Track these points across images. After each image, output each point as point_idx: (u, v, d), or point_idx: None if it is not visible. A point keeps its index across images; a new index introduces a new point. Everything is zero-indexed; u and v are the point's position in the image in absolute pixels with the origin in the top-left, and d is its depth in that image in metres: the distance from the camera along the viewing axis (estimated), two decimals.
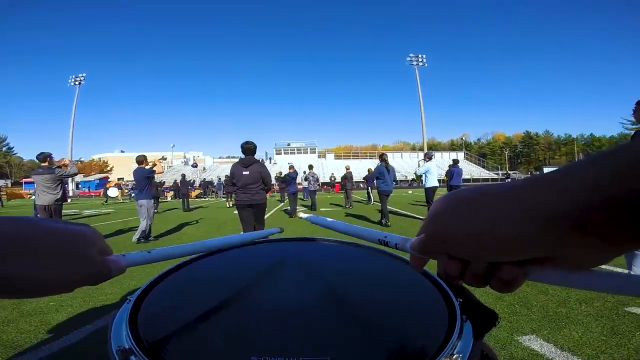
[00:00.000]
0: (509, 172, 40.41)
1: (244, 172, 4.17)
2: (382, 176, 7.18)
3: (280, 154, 54.00)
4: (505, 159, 66.42)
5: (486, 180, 43.49)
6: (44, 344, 2.06)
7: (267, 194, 4.54)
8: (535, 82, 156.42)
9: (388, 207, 7.29)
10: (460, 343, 0.45)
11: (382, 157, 7.38)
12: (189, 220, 9.39)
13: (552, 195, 0.21)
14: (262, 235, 0.86)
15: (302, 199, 16.41)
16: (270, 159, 53.70)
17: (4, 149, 65.21)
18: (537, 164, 67.81)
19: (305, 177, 12.16)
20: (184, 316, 0.54)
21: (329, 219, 0.66)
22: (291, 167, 10.58)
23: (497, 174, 48.33)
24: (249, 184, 4.17)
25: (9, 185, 56.07)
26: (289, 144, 55.02)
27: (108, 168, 63.38)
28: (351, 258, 0.85)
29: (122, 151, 72.60)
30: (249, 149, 4.29)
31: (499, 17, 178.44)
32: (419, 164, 9.76)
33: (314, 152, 54.49)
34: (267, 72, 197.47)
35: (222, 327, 0.52)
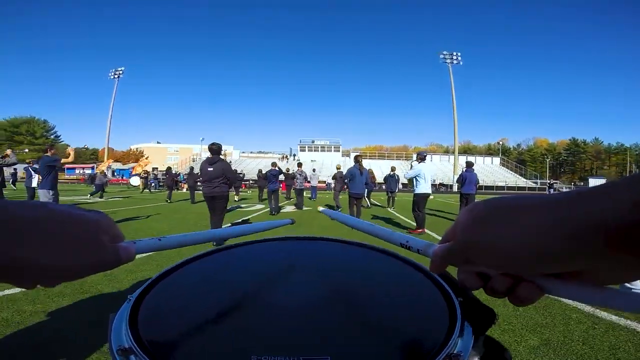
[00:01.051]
0: (551, 180, 36.94)
1: (209, 169, 5.05)
2: (353, 178, 6.84)
3: (304, 150, 53.58)
4: (546, 167, 61.69)
5: (522, 189, 40.49)
6: (43, 343, 2.03)
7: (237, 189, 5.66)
8: (584, 85, 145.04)
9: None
10: (461, 342, 0.46)
11: (356, 159, 7.06)
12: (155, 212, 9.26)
13: (595, 207, 0.20)
14: (274, 225, 0.81)
15: (310, 198, 15.71)
16: (294, 155, 53.51)
17: (52, 137, 70.26)
18: (582, 174, 62.81)
19: (293, 174, 11.63)
20: (185, 315, 0.54)
21: (350, 216, 0.63)
22: (274, 164, 10.10)
23: (536, 183, 44.83)
24: (212, 178, 5.05)
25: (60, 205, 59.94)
26: (313, 141, 54.37)
27: (144, 157, 66.33)
28: (351, 257, 0.85)
29: (158, 142, 75.60)
30: (213, 149, 5.22)
31: (541, 14, 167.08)
32: (411, 166, 8.67)
33: (338, 151, 53.49)
34: (299, 69, 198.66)
35: (222, 326, 0.51)
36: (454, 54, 41.55)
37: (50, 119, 78.86)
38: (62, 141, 73.56)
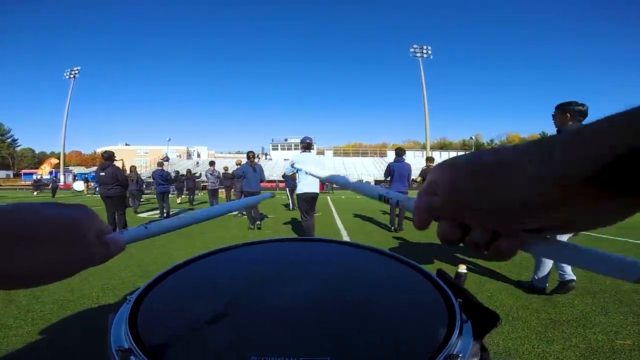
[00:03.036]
0: None
1: (101, 174, 5.73)
2: (246, 176, 6.54)
3: (276, 149, 52.15)
4: None
5: None
6: (43, 343, 2.02)
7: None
8: (553, 81, 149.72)
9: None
10: (460, 343, 0.46)
11: (248, 155, 6.66)
12: None
13: (577, 151, 0.20)
14: (253, 200, 0.71)
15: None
16: (265, 154, 51.88)
17: (8, 140, 65.74)
18: None
19: (205, 174, 10.37)
20: (184, 316, 0.54)
21: (328, 173, 0.57)
22: (160, 163, 9.27)
23: None
24: (105, 182, 5.74)
25: (11, 176, 57.65)
26: (286, 140, 52.98)
27: (52, 158, 62.78)
28: (351, 258, 0.85)
29: (126, 144, 72.38)
30: (104, 156, 5.95)
31: (516, 7, 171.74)
32: (265, 157, 7.45)
33: (312, 149, 51.99)
34: (273, 68, 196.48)
35: (222, 327, 0.51)
36: (424, 47, 41.18)
37: (5, 122, 73.78)
38: (19, 145, 69.23)
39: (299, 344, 0.47)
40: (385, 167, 6.22)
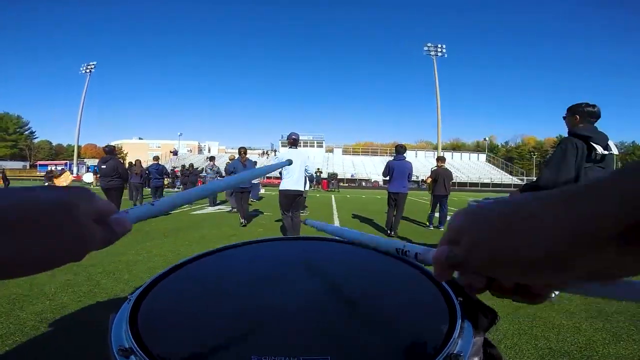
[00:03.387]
0: (535, 178, 35.91)
1: (102, 166, 6.07)
2: (236, 171, 6.29)
3: (285, 146, 51.73)
4: (533, 165, 60.95)
5: (508, 186, 39.39)
6: (42, 344, 1.99)
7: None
8: (572, 82, 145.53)
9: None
10: (460, 341, 0.45)
11: (239, 151, 6.49)
12: None
13: (603, 205, 0.19)
14: (271, 168, 0.77)
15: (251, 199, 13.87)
16: (274, 151, 51.81)
17: (26, 132, 67.52)
18: None
19: (204, 169, 10.43)
20: (184, 315, 0.54)
21: (335, 226, 0.61)
22: (156, 157, 9.15)
23: (522, 180, 43.82)
24: (106, 175, 6.06)
25: (27, 167, 59.34)
26: None
27: (123, 153, 64.43)
28: (351, 257, 0.85)
29: (140, 138, 73.49)
30: (106, 150, 6.38)
31: (530, 9, 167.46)
32: (274, 154, 7.25)
33: (322, 146, 51.72)
34: (284, 65, 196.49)
35: (222, 327, 0.51)
36: (439, 46, 40.25)
37: (24, 115, 75.80)
38: (37, 137, 71.08)
39: (299, 344, 0.47)
40: (384, 165, 5.81)
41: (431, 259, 0.30)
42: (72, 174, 24.26)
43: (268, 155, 49.96)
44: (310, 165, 4.97)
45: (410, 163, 5.68)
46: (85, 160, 55.89)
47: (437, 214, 6.84)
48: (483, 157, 52.62)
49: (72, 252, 0.27)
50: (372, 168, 45.50)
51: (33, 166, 56.17)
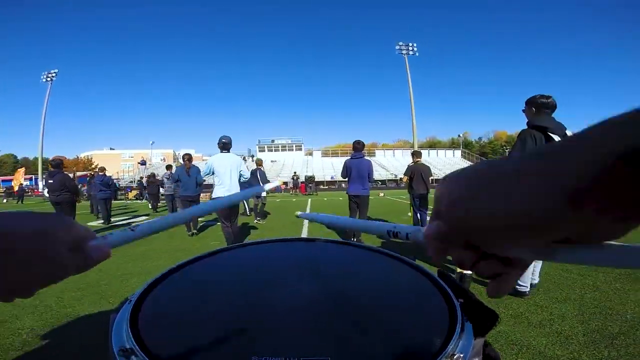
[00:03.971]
0: None
1: (50, 181, 6.01)
2: (180, 179, 5.99)
3: (263, 150, 50.88)
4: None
5: None
6: (41, 344, 2.02)
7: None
8: (542, 77, 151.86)
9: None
10: (461, 342, 0.45)
11: (183, 158, 6.11)
12: None
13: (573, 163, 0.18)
14: (251, 192, 0.68)
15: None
16: (252, 156, 50.88)
17: None
18: None
19: (162, 178, 9.98)
20: (185, 316, 0.54)
21: (326, 215, 0.57)
22: (102, 169, 8.72)
23: None
24: (54, 190, 6.00)
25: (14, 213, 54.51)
26: (273, 141, 51.81)
27: (92, 165, 61.71)
28: (352, 258, 0.84)
29: (111, 148, 70.60)
30: (52, 164, 6.25)
31: (502, 6, 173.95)
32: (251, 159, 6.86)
33: (300, 149, 50.93)
34: (259, 69, 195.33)
35: (223, 327, 0.51)
36: (410, 44, 40.73)
37: None
38: None
39: (299, 345, 0.47)
40: (342, 166, 5.18)
41: (422, 237, 0.29)
42: (38, 188, 23.01)
43: (245, 160, 48.95)
44: (245, 170, 4.59)
45: (369, 161, 5.08)
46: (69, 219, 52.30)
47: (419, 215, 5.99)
48: (458, 153, 53.62)
49: (48, 278, 0.28)
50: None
51: (17, 214, 51.81)
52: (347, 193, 5.18)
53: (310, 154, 51.11)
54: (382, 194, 19.54)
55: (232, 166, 4.35)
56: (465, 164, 49.20)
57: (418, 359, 0.44)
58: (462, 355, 0.43)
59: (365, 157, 5.12)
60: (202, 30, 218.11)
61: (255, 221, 8.03)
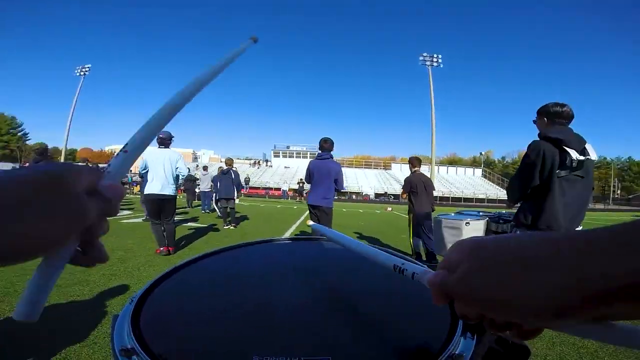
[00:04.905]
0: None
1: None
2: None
3: (278, 156, 50.98)
4: None
5: (503, 201, 38.39)
6: (41, 344, 1.98)
7: None
8: (567, 97, 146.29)
9: None
10: (462, 342, 0.45)
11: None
12: None
13: (612, 266, 0.19)
14: (236, 51, 0.57)
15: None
16: (266, 161, 50.96)
17: (19, 134, 66.80)
18: None
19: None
20: (186, 316, 0.54)
21: (342, 235, 0.61)
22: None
23: None
24: None
25: (17, 168, 58.10)
26: (288, 147, 51.87)
27: None
28: (352, 258, 0.85)
29: None
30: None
31: (529, 22, 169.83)
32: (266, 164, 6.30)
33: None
34: (281, 76, 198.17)
35: (224, 327, 0.52)
36: (434, 55, 39.82)
37: (19, 116, 75.46)
38: (29, 139, 70.27)
39: (301, 344, 0.47)
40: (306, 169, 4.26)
41: (427, 282, 0.30)
42: None
43: (259, 165, 49.03)
44: (182, 167, 4.36)
45: (337, 164, 4.09)
46: (79, 164, 54.70)
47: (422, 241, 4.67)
48: (479, 172, 51.86)
49: (70, 227, 0.26)
50: (365, 181, 44.60)
51: (23, 168, 54.85)
52: (308, 203, 4.20)
53: None
54: (389, 209, 18.63)
55: (166, 162, 4.18)
56: (486, 183, 47.66)
57: (420, 358, 0.43)
58: (463, 355, 0.42)
59: (334, 160, 4.16)
60: (228, 34, 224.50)
61: (225, 227, 7.32)
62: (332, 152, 4.15)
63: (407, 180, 4.65)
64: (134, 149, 0.33)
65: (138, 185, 22.36)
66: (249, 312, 0.56)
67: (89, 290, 2.90)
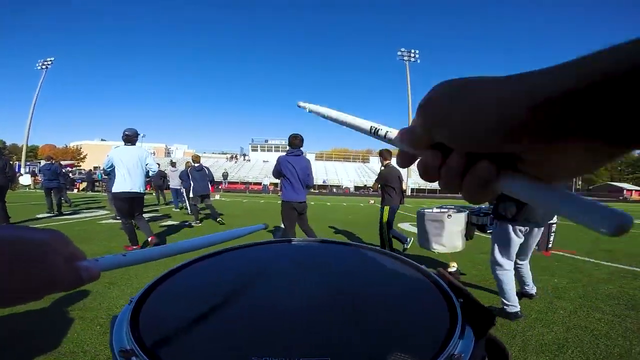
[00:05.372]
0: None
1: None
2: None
3: (256, 150, 50.30)
4: None
5: None
6: (42, 345, 1.99)
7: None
8: None
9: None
10: (461, 343, 0.46)
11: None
12: None
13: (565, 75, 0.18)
14: (246, 231, 0.74)
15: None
16: (244, 155, 50.15)
17: None
18: None
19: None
20: (185, 317, 0.54)
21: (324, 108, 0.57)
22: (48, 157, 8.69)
23: None
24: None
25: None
26: (266, 141, 51.25)
27: (81, 155, 60.72)
28: (351, 258, 0.84)
29: (102, 139, 69.36)
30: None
31: (504, 13, 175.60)
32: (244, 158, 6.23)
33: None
34: (258, 68, 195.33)
35: (223, 328, 0.52)
36: (412, 51, 40.41)
37: None
38: None
39: (298, 345, 0.47)
40: (275, 164, 4.15)
41: (397, 137, 0.30)
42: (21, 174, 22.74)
43: (237, 159, 48.14)
44: (152, 164, 4.47)
45: (308, 161, 4.19)
46: (41, 161, 51.97)
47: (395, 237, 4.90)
48: None
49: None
50: (345, 174, 44.85)
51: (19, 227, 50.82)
52: (285, 200, 4.07)
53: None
54: (372, 201, 18.82)
55: (134, 160, 4.23)
56: None
57: (418, 359, 0.43)
58: (462, 356, 0.42)
59: (304, 156, 4.17)
60: (200, 25, 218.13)
61: (195, 224, 7.11)
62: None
63: (383, 174, 4.65)
64: (131, 259, 0.40)
65: (83, 183, 21.27)
66: (248, 312, 0.56)
67: (87, 293, 2.84)
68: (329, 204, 16.70)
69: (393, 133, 0.33)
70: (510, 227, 2.57)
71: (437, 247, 3.44)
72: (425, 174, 0.27)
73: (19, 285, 0.28)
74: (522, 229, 2.57)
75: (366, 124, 0.38)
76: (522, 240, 2.62)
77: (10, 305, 0.28)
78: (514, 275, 2.67)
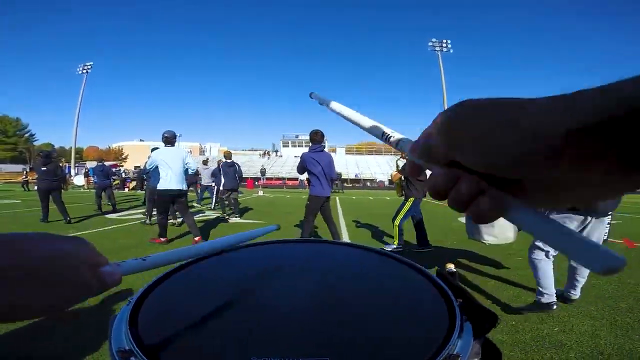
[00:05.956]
0: None
1: (42, 168, 6.42)
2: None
3: (287, 146, 50.42)
4: None
5: None
6: (42, 345, 1.99)
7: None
8: (582, 79, 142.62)
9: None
10: (460, 343, 0.46)
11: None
12: None
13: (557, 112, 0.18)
14: (259, 233, 0.78)
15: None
16: (276, 151, 50.38)
17: (26, 135, 66.96)
18: None
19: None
20: (184, 317, 0.54)
21: (340, 105, 0.58)
22: (99, 160, 9.01)
23: None
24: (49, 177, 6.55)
25: (28, 170, 58.24)
26: (297, 136, 51.15)
27: (123, 156, 63.77)
28: (350, 259, 0.84)
29: (141, 140, 72.43)
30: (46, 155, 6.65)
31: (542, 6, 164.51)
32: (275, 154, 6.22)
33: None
34: (287, 65, 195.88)
35: (222, 328, 0.52)
36: (444, 41, 38.57)
37: (23, 118, 75.56)
38: (36, 140, 70.47)
39: (298, 345, 0.47)
40: (300, 161, 4.29)
41: (409, 148, 0.30)
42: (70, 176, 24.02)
43: (269, 156, 48.43)
44: (191, 163, 4.70)
45: (330, 155, 4.28)
46: (86, 163, 54.81)
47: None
48: None
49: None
50: (377, 168, 43.80)
51: (32, 169, 55.08)
52: (314, 194, 4.13)
53: (334, 151, 49.91)
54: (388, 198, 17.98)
55: (176, 160, 4.51)
56: None
57: (417, 359, 0.43)
58: (460, 356, 0.42)
59: (326, 151, 4.30)
60: (233, 26, 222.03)
61: (226, 217, 7.55)
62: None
63: (404, 166, 4.58)
64: (150, 263, 0.41)
65: (133, 182, 21.74)
66: (248, 312, 0.56)
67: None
68: (354, 197, 16.02)
69: (405, 143, 0.32)
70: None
71: (489, 238, 3.28)
72: (436, 195, 0.26)
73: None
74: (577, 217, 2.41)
75: (380, 130, 0.37)
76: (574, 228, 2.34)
77: (43, 315, 0.28)
78: (567, 273, 2.61)
